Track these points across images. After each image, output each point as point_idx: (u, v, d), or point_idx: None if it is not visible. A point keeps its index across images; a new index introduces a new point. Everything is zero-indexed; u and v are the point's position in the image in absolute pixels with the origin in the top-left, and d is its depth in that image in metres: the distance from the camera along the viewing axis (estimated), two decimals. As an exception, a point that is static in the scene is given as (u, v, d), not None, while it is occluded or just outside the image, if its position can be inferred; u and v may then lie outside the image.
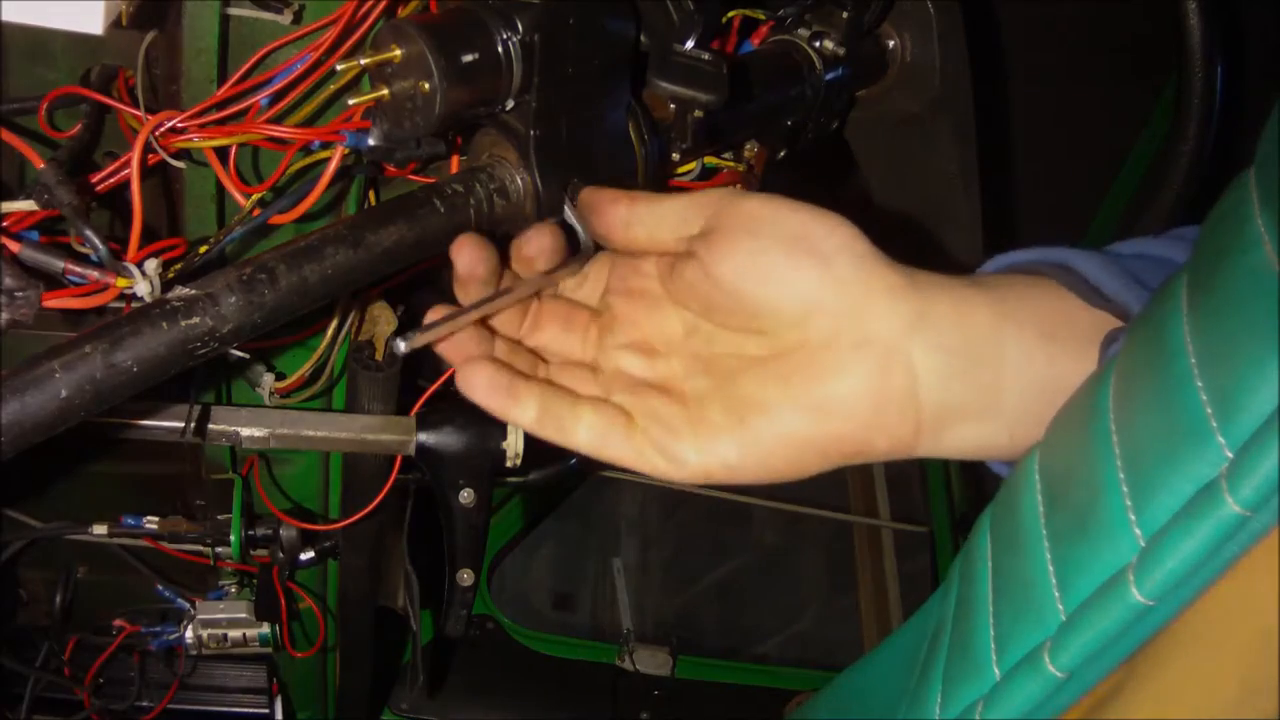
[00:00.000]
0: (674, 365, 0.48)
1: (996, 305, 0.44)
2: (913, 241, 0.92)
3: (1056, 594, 0.38)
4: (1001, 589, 0.41)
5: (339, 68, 0.53)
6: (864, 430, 0.43)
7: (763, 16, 0.74)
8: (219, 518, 0.84)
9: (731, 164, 0.71)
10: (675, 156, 0.62)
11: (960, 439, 0.44)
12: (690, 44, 0.58)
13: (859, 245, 0.43)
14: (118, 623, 0.97)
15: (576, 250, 0.51)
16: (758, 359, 0.45)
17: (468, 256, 0.47)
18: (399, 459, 0.76)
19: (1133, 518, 0.36)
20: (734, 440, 0.44)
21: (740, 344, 0.46)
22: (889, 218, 0.93)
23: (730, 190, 0.47)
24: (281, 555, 0.84)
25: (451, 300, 0.48)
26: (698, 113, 0.59)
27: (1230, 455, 0.33)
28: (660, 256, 0.49)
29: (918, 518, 1.78)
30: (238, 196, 0.54)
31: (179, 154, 0.53)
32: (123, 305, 0.46)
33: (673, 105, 0.60)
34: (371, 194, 0.66)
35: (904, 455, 0.45)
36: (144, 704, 1.02)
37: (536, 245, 0.49)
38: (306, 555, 0.86)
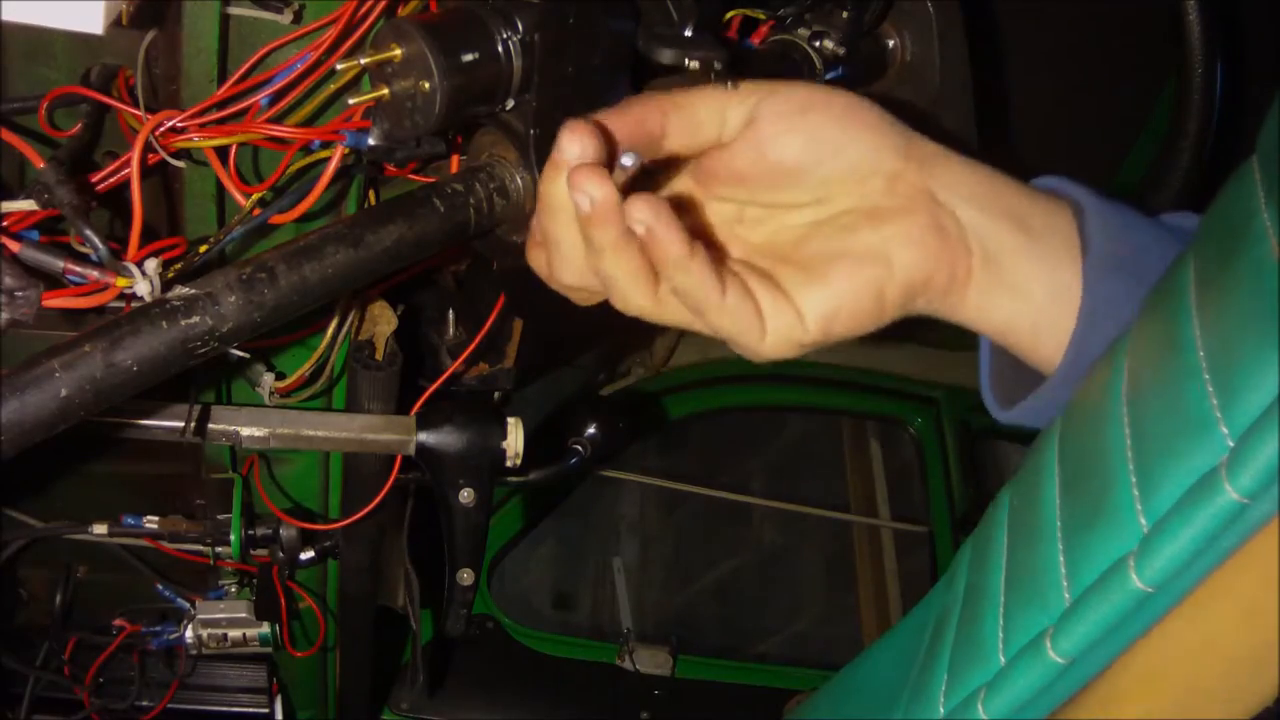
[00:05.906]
0: (734, 253, 0.48)
1: (1024, 191, 0.48)
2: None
3: (1065, 582, 0.38)
4: (1014, 579, 0.42)
5: (339, 67, 0.53)
6: (933, 260, 0.46)
7: (763, 16, 0.74)
8: (219, 517, 0.84)
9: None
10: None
11: (998, 307, 0.47)
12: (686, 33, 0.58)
13: (895, 120, 0.47)
14: (118, 622, 0.97)
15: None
16: (816, 223, 0.47)
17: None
18: (399, 459, 0.76)
19: (1139, 507, 0.36)
20: (821, 294, 0.45)
21: (794, 217, 0.48)
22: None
23: (763, 83, 0.48)
24: (281, 555, 0.84)
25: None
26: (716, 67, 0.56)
27: (1232, 445, 0.33)
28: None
29: (918, 518, 1.78)
30: (238, 196, 0.54)
31: (179, 153, 0.53)
32: (123, 305, 0.46)
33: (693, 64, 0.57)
34: (371, 194, 0.66)
35: (955, 305, 0.47)
36: (144, 704, 1.02)
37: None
38: (306, 555, 0.86)
